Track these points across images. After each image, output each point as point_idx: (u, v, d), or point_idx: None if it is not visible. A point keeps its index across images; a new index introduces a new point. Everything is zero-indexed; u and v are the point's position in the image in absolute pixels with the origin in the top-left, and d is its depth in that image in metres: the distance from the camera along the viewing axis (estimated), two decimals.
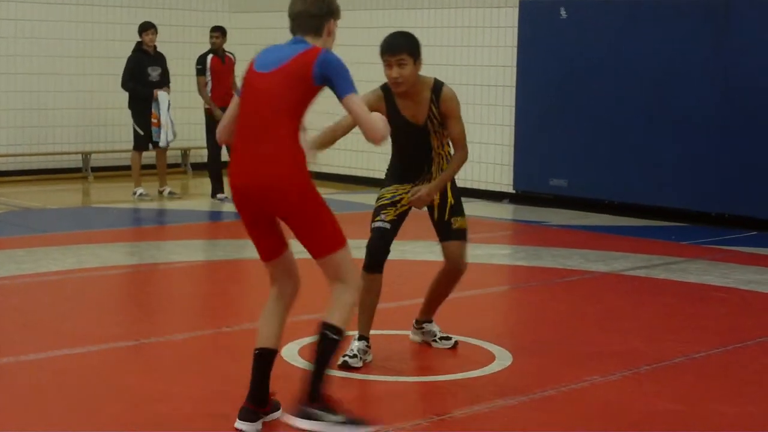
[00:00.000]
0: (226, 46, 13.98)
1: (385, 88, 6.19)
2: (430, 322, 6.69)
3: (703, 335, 7.26)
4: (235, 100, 5.12)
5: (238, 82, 13.64)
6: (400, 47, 5.98)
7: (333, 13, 5.07)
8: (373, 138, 4.90)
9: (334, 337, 4.92)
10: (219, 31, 13.88)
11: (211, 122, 13.53)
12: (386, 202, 6.26)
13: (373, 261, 6.16)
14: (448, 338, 6.64)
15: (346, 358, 6.07)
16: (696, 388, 6.02)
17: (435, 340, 6.64)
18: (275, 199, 4.90)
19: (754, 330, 7.44)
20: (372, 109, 5.69)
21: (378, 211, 6.24)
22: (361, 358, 6.13)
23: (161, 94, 13.65)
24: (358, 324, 6.19)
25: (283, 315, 5.15)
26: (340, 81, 4.86)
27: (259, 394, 5.04)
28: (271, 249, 5.08)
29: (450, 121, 6.16)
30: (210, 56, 13.73)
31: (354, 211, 11.87)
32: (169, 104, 13.68)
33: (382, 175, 6.61)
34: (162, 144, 13.80)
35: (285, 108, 4.90)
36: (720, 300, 8.39)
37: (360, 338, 6.22)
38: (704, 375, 6.30)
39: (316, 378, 4.91)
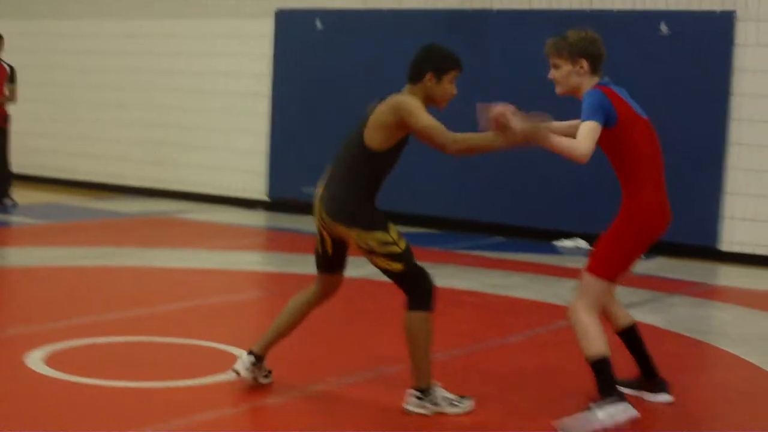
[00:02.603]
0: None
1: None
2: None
3: (448, 338, 7.37)
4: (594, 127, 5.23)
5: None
6: None
7: None
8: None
9: None
10: None
11: None
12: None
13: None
14: (270, 373, 6.01)
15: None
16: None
17: (266, 376, 5.95)
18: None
19: (496, 331, 7.61)
20: None
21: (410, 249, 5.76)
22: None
23: None
24: None
25: None
26: None
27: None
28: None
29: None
30: None
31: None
32: None
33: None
34: None
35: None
36: (468, 304, 8.57)
37: None
38: (445, 377, 6.38)
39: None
